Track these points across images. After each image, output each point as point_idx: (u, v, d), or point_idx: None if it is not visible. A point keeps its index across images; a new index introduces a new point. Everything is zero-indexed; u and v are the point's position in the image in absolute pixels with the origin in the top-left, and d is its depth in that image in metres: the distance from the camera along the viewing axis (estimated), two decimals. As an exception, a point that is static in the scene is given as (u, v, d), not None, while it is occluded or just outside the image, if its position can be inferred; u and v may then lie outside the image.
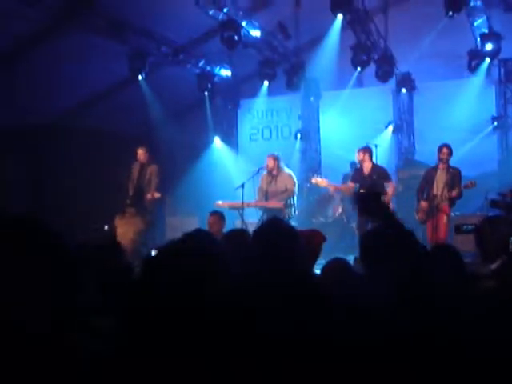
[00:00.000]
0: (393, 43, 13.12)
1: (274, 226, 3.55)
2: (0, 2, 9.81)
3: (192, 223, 12.88)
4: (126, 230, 10.27)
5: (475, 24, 12.43)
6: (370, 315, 2.31)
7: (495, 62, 13.39)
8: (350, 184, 11.08)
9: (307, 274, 2.83)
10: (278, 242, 3.29)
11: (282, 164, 11.30)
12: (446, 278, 3.42)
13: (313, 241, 4.53)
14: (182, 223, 13.46)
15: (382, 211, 3.44)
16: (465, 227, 6.34)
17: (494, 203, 8.94)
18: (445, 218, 9.92)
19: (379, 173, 10.61)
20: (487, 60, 12.94)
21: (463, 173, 10.25)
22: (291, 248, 3.34)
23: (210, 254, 2.06)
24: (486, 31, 12.44)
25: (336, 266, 4.44)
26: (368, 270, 3.69)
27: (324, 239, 4.67)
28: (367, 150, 10.82)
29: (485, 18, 12.22)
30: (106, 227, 10.30)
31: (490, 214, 8.35)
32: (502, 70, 13.95)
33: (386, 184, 10.60)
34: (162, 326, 1.88)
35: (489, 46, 12.48)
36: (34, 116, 12.95)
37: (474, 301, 3.08)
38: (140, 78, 13.36)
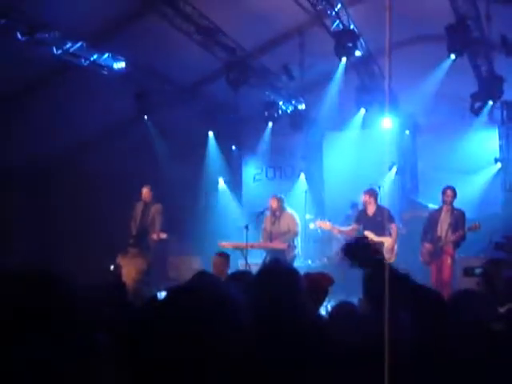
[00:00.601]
0: (396, 85, 13.21)
1: (275, 270, 3.56)
2: (12, 44, 9.91)
3: (194, 263, 12.87)
4: (128, 269, 10.22)
5: (477, 67, 12.53)
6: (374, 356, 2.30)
7: (498, 104, 13.46)
8: (354, 226, 11.07)
9: (309, 320, 2.82)
10: (279, 288, 3.29)
11: (286, 205, 11.32)
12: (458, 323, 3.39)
13: (320, 284, 4.53)
14: (184, 263, 13.44)
15: (370, 260, 3.46)
16: (475, 270, 6.30)
17: (498, 246, 8.95)
18: (449, 259, 9.90)
19: (383, 214, 10.62)
20: (490, 103, 13.00)
21: (467, 214, 10.25)
22: (292, 292, 3.34)
23: (217, 298, 2.05)
24: (488, 74, 12.54)
25: (343, 310, 4.43)
26: (373, 312, 3.70)
27: (332, 282, 4.67)
28: (373, 193, 10.86)
29: (487, 61, 12.32)
30: (111, 267, 10.26)
31: (495, 256, 8.32)
32: (505, 112, 14.02)
33: (389, 226, 10.59)
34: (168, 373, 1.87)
35: (491, 89, 12.55)
36: (39, 155, 13.06)
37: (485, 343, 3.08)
38: (146, 117, 13.46)
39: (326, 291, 4.67)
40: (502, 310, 3.94)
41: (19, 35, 9.69)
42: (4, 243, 12.03)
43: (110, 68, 11.74)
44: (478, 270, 6.20)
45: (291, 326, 2.63)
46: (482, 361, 2.93)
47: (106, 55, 11.51)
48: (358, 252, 3.50)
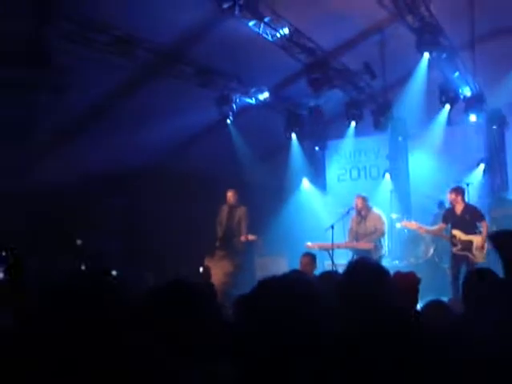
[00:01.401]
0: (482, 79, 12.92)
1: (364, 268, 3.54)
2: (99, 53, 10.26)
3: (281, 264, 12.91)
4: (215, 272, 10.40)
5: None
6: (472, 353, 2.26)
7: None
8: (441, 225, 10.87)
9: (406, 313, 2.78)
10: (370, 285, 3.27)
11: (371, 204, 11.24)
12: None
13: (410, 282, 4.48)
14: (272, 264, 13.48)
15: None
16: None
17: None
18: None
19: (472, 212, 10.40)
20: None
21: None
22: (384, 289, 3.31)
23: (307, 296, 2.06)
24: None
25: (435, 307, 4.37)
26: (469, 310, 3.61)
27: (419, 280, 4.61)
28: (460, 191, 10.63)
29: None
30: (200, 269, 10.45)
31: None
32: None
33: (478, 224, 10.35)
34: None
35: None
36: (129, 161, 13.41)
37: None
38: (228, 121, 13.61)
39: (417, 290, 4.61)
40: None
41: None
42: (95, 244, 12.43)
43: (192, 74, 11.99)
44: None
45: (387, 324, 2.60)
46: None
47: (187, 63, 11.76)
48: (505, 240, 3.40)
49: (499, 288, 3.73)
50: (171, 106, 12.50)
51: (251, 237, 11.41)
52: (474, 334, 2.33)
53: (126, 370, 2.05)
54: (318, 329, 1.99)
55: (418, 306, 4.81)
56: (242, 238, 11.37)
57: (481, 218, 10.43)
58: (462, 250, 10.26)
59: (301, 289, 2.04)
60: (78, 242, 11.93)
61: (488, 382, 2.05)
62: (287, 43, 11.61)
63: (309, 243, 11.31)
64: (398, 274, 4.76)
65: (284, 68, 13.16)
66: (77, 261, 10.24)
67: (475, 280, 4.01)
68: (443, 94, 13.07)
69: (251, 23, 10.79)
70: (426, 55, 11.56)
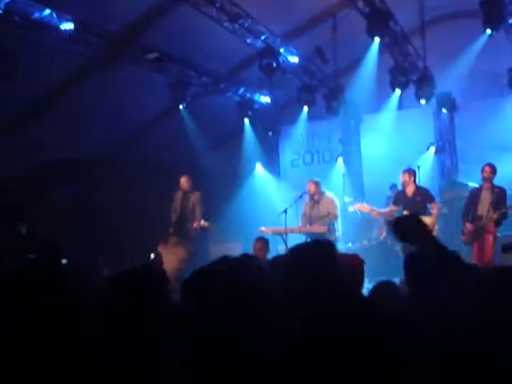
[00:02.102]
0: (432, 63, 13.06)
1: (313, 247, 3.56)
2: (52, 40, 10.07)
3: (235, 250, 12.91)
4: (169, 258, 10.35)
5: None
6: (417, 335, 2.30)
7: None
8: (393, 207, 11.01)
9: (354, 294, 2.81)
10: (318, 263, 3.28)
11: (323, 188, 11.32)
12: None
13: (355, 263, 4.53)
14: (226, 250, 13.42)
15: (420, 234, 3.39)
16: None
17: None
18: (491, 238, 9.78)
19: (423, 194, 10.55)
20: (528, 76, 12.79)
21: (509, 192, 10.11)
22: (332, 268, 3.34)
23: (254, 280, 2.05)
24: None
25: (384, 289, 4.43)
26: (414, 292, 3.68)
27: (363, 262, 4.67)
28: (412, 172, 10.77)
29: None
30: (152, 255, 10.40)
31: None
32: (544, 87, 13.75)
33: (429, 205, 10.52)
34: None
35: (529, 63, 12.36)
36: (81, 149, 13.26)
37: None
38: (181, 107, 13.53)
39: (362, 271, 4.67)
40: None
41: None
42: (46, 233, 12.28)
43: (144, 59, 11.85)
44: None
45: (337, 304, 2.63)
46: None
47: (141, 47, 11.61)
48: (406, 226, 3.43)
49: (438, 267, 3.79)
50: (124, 92, 12.37)
51: (204, 223, 11.39)
52: (416, 313, 2.38)
53: (81, 358, 2.04)
54: (265, 312, 1.98)
55: (370, 288, 4.87)
56: (196, 224, 11.34)
57: (431, 199, 10.59)
58: (414, 231, 10.40)
59: (242, 270, 2.02)
60: (23, 230, 11.75)
61: (429, 363, 2.09)
62: (239, 29, 11.57)
63: (262, 228, 11.33)
64: (343, 256, 4.81)
65: (237, 53, 13.14)
66: (25, 250, 10.04)
67: (415, 260, 4.08)
68: (394, 78, 13.18)
69: (204, 9, 10.73)
70: (377, 40, 11.64)
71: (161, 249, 10.65)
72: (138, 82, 12.27)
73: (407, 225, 3.38)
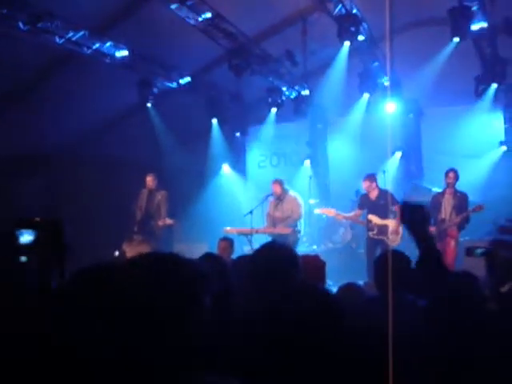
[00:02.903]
0: (400, 69, 13.19)
1: (272, 247, 3.59)
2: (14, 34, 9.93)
3: (200, 249, 12.83)
4: (133, 256, 10.26)
5: (481, 50, 12.49)
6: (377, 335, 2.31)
7: (502, 86, 13.41)
8: (358, 211, 11.07)
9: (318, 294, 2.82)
10: (277, 266, 3.32)
11: (287, 187, 11.36)
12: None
13: (315, 263, 4.57)
14: (190, 250, 13.43)
15: (423, 225, 3.43)
16: (477, 250, 6.34)
17: (502, 229, 8.96)
18: (453, 242, 9.92)
19: (386, 198, 10.64)
20: (494, 85, 12.97)
21: (472, 198, 10.25)
22: (291, 266, 3.37)
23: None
24: (492, 57, 12.50)
25: (348, 290, 4.46)
26: (380, 293, 3.71)
27: (324, 264, 4.73)
28: (373, 178, 10.87)
29: (490, 43, 12.28)
30: (116, 253, 10.31)
31: (499, 239, 8.32)
32: (509, 95, 13.96)
33: (392, 207, 10.62)
34: None
35: (495, 72, 12.52)
36: (46, 143, 13.10)
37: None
38: (149, 105, 13.47)
39: (324, 273, 4.72)
40: (503, 289, 3.97)
41: (21, 25, 9.70)
42: (6, 228, 12.06)
43: (113, 56, 11.75)
44: (479, 251, 6.24)
45: (299, 304, 2.63)
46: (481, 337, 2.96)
47: (109, 44, 11.51)
48: (415, 214, 3.42)
49: (407, 270, 3.84)
50: (91, 87, 12.26)
51: (169, 221, 11.36)
52: (384, 314, 2.39)
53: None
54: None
55: (334, 290, 4.91)
56: (160, 223, 11.33)
57: (395, 202, 10.70)
58: (378, 234, 10.51)
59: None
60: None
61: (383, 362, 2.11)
62: (209, 28, 11.54)
63: (227, 228, 11.34)
64: (305, 256, 4.84)
65: (206, 53, 13.12)
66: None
67: (384, 262, 4.14)
68: (362, 82, 13.29)
69: (174, 6, 10.67)
70: (347, 44, 11.72)
71: (125, 247, 10.56)
72: (105, 77, 12.16)
73: (417, 213, 3.38)
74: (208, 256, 4.07)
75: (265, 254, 3.47)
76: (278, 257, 3.35)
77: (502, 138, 14.19)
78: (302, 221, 11.30)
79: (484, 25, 11.40)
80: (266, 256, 3.43)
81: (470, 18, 10.77)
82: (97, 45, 11.29)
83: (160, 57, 12.80)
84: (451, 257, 9.84)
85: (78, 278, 2.60)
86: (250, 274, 3.41)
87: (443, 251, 9.93)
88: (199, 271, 1.89)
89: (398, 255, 4.38)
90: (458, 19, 10.69)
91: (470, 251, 6.27)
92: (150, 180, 11.72)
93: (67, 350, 2.01)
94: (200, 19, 11.16)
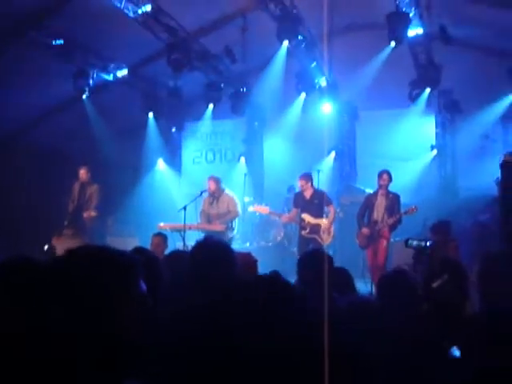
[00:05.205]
0: (337, 71, 13.37)
1: (210, 243, 3.60)
2: None
3: (132, 244, 12.70)
4: (63, 250, 10.08)
5: (416, 55, 12.77)
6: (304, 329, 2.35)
7: (435, 92, 13.74)
8: (295, 210, 11.11)
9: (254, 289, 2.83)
10: (215, 263, 3.33)
11: (223, 186, 11.35)
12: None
13: (247, 261, 4.62)
14: (123, 244, 13.29)
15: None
16: (414, 242, 6.58)
17: (431, 229, 9.24)
18: (385, 242, 10.09)
19: (320, 197, 10.74)
20: (427, 90, 13.28)
21: (403, 199, 10.45)
22: (228, 261, 3.39)
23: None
24: (427, 62, 12.79)
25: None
26: (306, 289, 3.76)
27: (256, 260, 4.79)
28: (308, 177, 10.93)
29: (426, 49, 12.56)
30: (45, 247, 10.10)
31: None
32: (442, 101, 14.33)
33: (326, 208, 10.73)
34: None
35: (429, 77, 12.81)
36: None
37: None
38: (84, 97, 13.25)
39: (256, 267, 4.78)
40: (434, 284, 4.07)
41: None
42: None
43: (49, 45, 11.51)
44: (414, 242, 6.49)
45: (237, 300, 2.63)
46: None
47: (45, 33, 11.28)
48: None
49: (330, 269, 3.93)
50: (26, 77, 11.97)
51: (93, 213, 11.25)
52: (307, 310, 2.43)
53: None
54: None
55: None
56: (85, 215, 11.20)
57: (328, 202, 10.82)
58: (310, 233, 10.60)
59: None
60: None
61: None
62: (149, 21, 11.45)
63: (161, 224, 11.26)
64: (237, 253, 4.89)
65: (145, 46, 12.98)
66: None
67: (307, 261, 4.25)
68: (300, 82, 13.39)
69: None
70: (285, 43, 11.80)
71: (55, 240, 10.38)
72: (43, 67, 11.90)
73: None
74: (137, 250, 4.01)
75: (203, 249, 3.48)
76: (216, 252, 3.37)
77: (434, 141, 14.56)
78: (236, 220, 11.30)
79: (420, 31, 11.68)
80: (204, 252, 3.44)
81: (406, 23, 11.00)
82: (32, 34, 11.04)
83: (97, 48, 12.60)
84: (383, 257, 10.01)
85: None
86: (189, 269, 3.41)
87: (375, 252, 10.12)
88: (128, 262, 1.86)
89: (321, 255, 4.48)
90: (395, 24, 10.91)
91: (408, 243, 6.57)
92: (83, 173, 11.56)
93: None
94: (139, 11, 11.05)
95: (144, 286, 1.86)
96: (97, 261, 1.83)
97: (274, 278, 2.64)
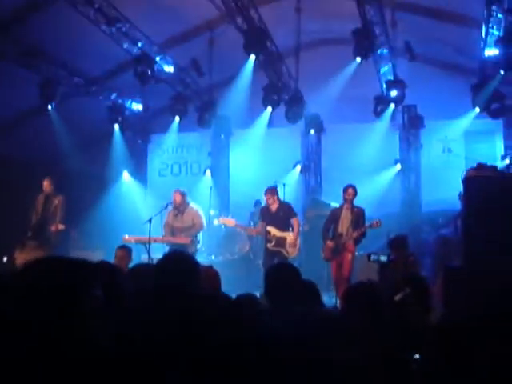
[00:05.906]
0: (303, 85, 13.45)
1: (176, 261, 3.60)
2: None
3: (97, 257, 12.59)
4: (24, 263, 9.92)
5: (381, 71, 12.92)
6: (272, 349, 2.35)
7: (399, 107, 13.93)
8: (262, 223, 11.10)
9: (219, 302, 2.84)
10: (180, 277, 3.34)
11: (189, 199, 11.32)
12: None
13: (209, 274, 4.64)
14: (87, 257, 13.05)
15: None
16: (376, 257, 6.68)
17: (388, 243, 9.36)
18: (349, 256, 10.14)
19: (285, 210, 10.77)
20: (392, 106, 13.45)
21: (368, 213, 10.52)
22: (193, 276, 3.40)
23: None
24: (392, 78, 12.94)
25: (245, 301, 4.50)
26: (272, 304, 3.78)
27: (217, 273, 4.82)
28: (274, 191, 10.95)
29: (390, 65, 12.72)
30: (4, 259, 9.93)
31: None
32: (406, 116, 14.53)
33: (291, 221, 10.76)
34: None
35: (394, 93, 12.96)
36: None
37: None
38: (50, 107, 13.13)
39: (218, 280, 4.80)
40: (396, 298, 4.13)
41: None
42: None
43: (14, 55, 11.41)
44: (374, 257, 6.55)
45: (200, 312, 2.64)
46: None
47: (11, 41, 11.19)
48: None
49: (296, 282, 3.96)
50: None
51: (61, 226, 11.12)
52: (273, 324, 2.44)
53: None
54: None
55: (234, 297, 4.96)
56: (53, 228, 11.07)
57: (293, 215, 10.83)
58: (276, 245, 10.61)
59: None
60: None
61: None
62: (117, 33, 11.41)
63: (126, 236, 11.17)
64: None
65: (112, 58, 12.97)
66: None
67: (275, 274, 4.27)
68: (267, 95, 13.45)
69: (82, 8, 10.49)
70: (253, 57, 11.86)
71: (17, 253, 10.21)
72: (8, 75, 11.78)
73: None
74: (100, 263, 3.99)
75: (169, 263, 3.49)
76: (181, 266, 3.37)
77: (398, 156, 14.73)
78: (201, 233, 11.27)
79: (385, 47, 11.85)
80: (169, 265, 3.45)
81: (372, 39, 11.15)
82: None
83: (63, 59, 12.52)
84: (347, 270, 10.06)
85: None
86: (155, 280, 3.41)
87: (340, 265, 10.16)
88: (79, 273, 1.86)
89: (288, 267, 4.50)
90: (361, 40, 11.05)
91: (369, 257, 6.65)
92: (46, 184, 11.43)
93: None
94: (108, 24, 11.02)
95: (100, 292, 1.86)
96: (48, 269, 1.83)
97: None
